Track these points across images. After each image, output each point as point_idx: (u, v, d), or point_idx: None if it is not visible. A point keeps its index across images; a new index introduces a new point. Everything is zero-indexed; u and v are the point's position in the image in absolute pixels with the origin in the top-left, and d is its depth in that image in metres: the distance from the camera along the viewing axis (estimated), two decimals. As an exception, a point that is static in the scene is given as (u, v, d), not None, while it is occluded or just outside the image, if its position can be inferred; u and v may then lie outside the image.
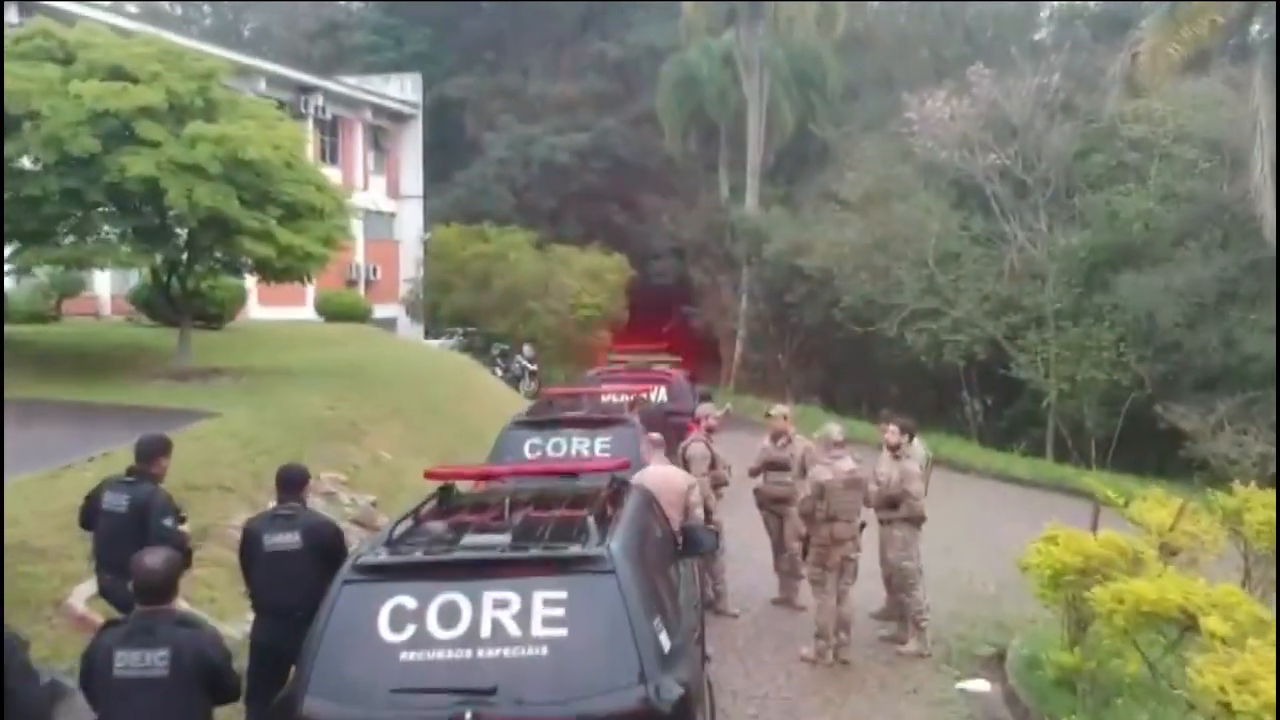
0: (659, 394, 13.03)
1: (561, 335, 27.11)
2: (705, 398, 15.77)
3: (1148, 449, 23.72)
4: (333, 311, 22.38)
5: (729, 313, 31.55)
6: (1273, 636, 4.75)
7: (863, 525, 8.39)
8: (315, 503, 10.13)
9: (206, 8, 53.22)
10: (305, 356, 17.14)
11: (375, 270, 33.25)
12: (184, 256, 13.90)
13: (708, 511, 9.10)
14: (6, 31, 13.15)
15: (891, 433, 8.73)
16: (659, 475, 7.67)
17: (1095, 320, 20.98)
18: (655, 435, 8.29)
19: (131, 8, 29.63)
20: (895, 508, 8.57)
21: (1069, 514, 16.01)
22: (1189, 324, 19.48)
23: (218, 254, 13.89)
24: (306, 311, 25.80)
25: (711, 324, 32.72)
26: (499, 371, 28.21)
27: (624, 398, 12.13)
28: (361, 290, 33.03)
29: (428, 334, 34.30)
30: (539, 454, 8.50)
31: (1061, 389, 20.64)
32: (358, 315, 22.50)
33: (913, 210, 22.81)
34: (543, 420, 9.00)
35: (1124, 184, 21.23)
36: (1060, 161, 21.75)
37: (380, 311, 33.71)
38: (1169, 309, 19.41)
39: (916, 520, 8.63)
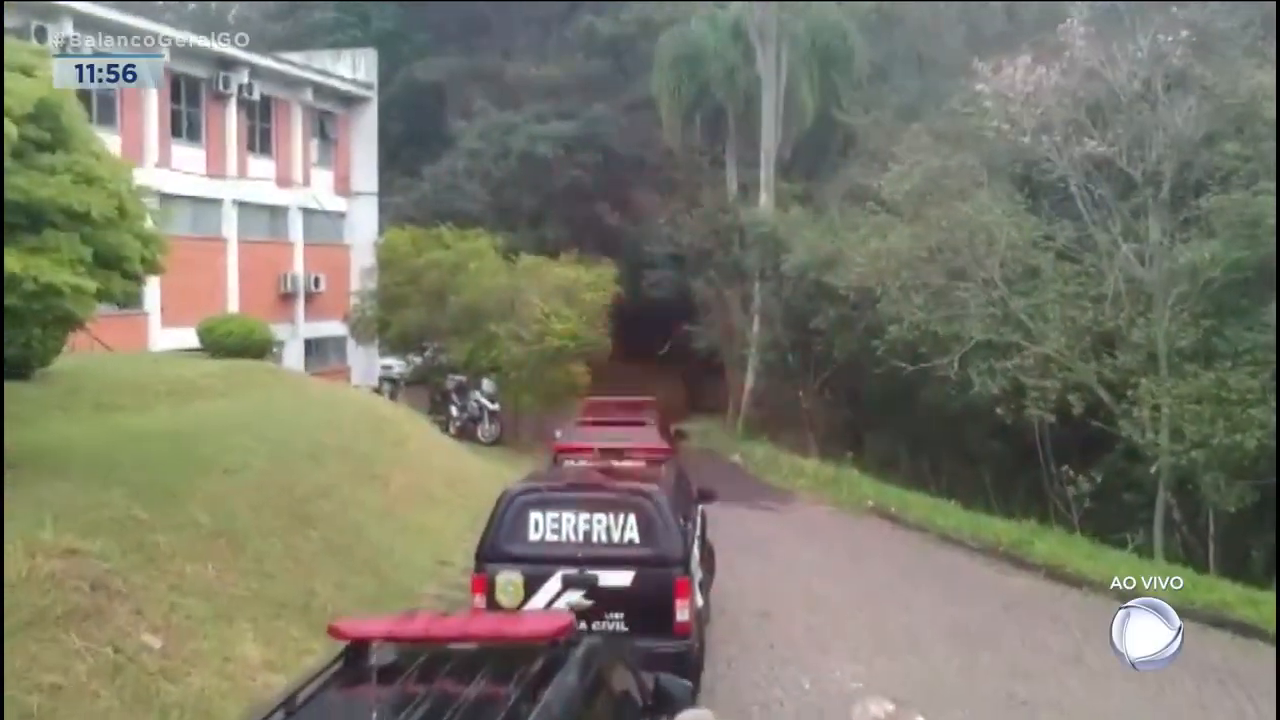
0: (623, 527, 7.71)
1: (528, 367, 21.75)
2: (705, 496, 10.45)
3: (1261, 533, 18.55)
4: (217, 343, 17.01)
5: (738, 335, 26.30)
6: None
7: None
8: None
9: (190, -5, 48.52)
10: (122, 424, 11.83)
11: (318, 280, 28.09)
12: None
13: None
14: None
15: None
16: None
17: (1232, 362, 15.59)
18: None
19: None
20: None
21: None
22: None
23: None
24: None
25: (716, 347, 27.47)
26: (454, 410, 22.97)
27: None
28: (301, 304, 27.91)
29: (384, 355, 29.24)
30: None
31: (1192, 456, 15.21)
32: (253, 348, 17.12)
33: (982, 213, 17.44)
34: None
35: (1268, 180, 15.78)
36: (1179, 150, 16.34)
37: (325, 329, 28.61)
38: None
39: None
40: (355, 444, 13.64)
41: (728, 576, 11.34)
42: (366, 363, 29.51)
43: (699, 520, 9.72)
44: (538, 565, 7.54)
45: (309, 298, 28.05)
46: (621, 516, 7.66)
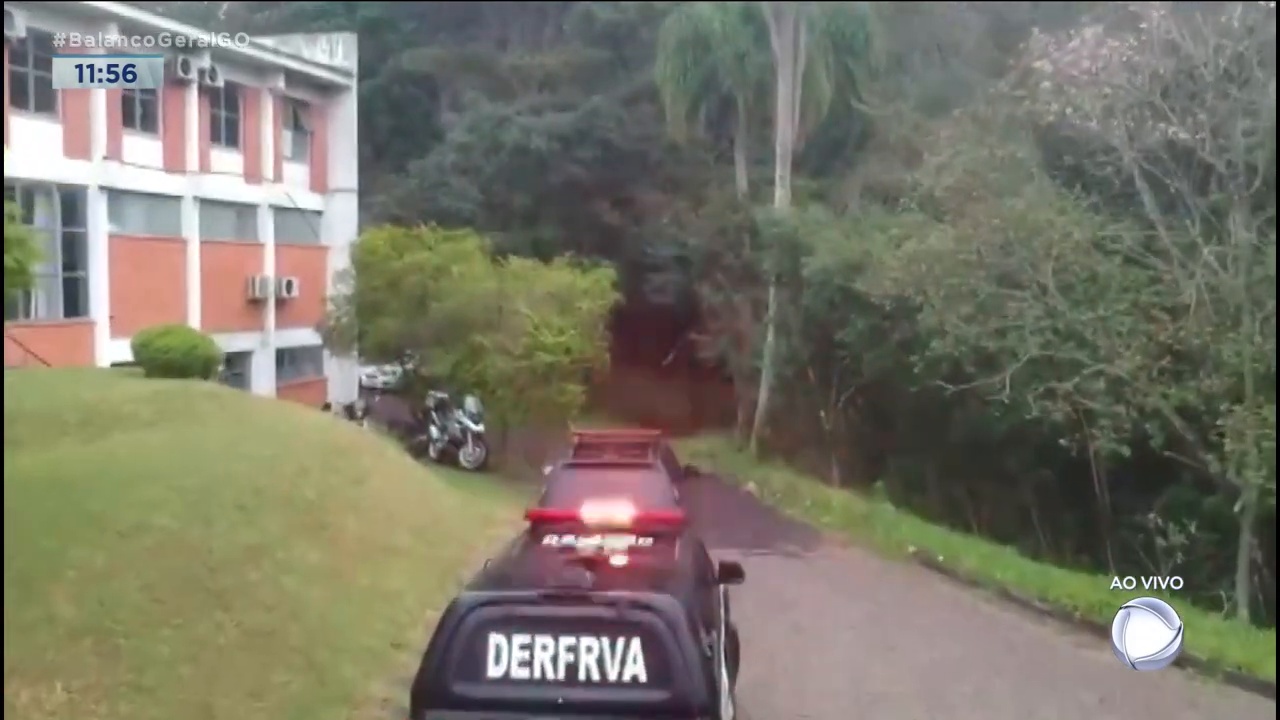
0: (623, 658, 5.40)
1: (517, 384, 19.44)
2: (729, 573, 8.05)
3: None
4: (154, 359, 14.65)
5: (749, 345, 23.98)
6: None
7: None
8: None
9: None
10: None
11: (290, 285, 25.73)
12: None
13: None
14: None
15: None
16: None
17: (1339, 387, 13.28)
18: None
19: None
20: None
21: None
22: None
23: None
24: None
25: (725, 358, 25.21)
26: (434, 431, 20.65)
27: None
28: (271, 310, 25.58)
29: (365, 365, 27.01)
30: None
31: (1292, 497, 12.89)
32: (195, 365, 14.78)
33: (1036, 210, 15.14)
34: None
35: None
36: (1272, 137, 14.00)
37: (299, 337, 26.25)
38: None
39: None
40: (301, 486, 11.29)
41: (754, 659, 8.99)
42: (345, 374, 27.24)
43: (723, 610, 7.40)
44: (501, 713, 5.21)
45: (281, 303, 25.72)
46: (621, 641, 5.31)
